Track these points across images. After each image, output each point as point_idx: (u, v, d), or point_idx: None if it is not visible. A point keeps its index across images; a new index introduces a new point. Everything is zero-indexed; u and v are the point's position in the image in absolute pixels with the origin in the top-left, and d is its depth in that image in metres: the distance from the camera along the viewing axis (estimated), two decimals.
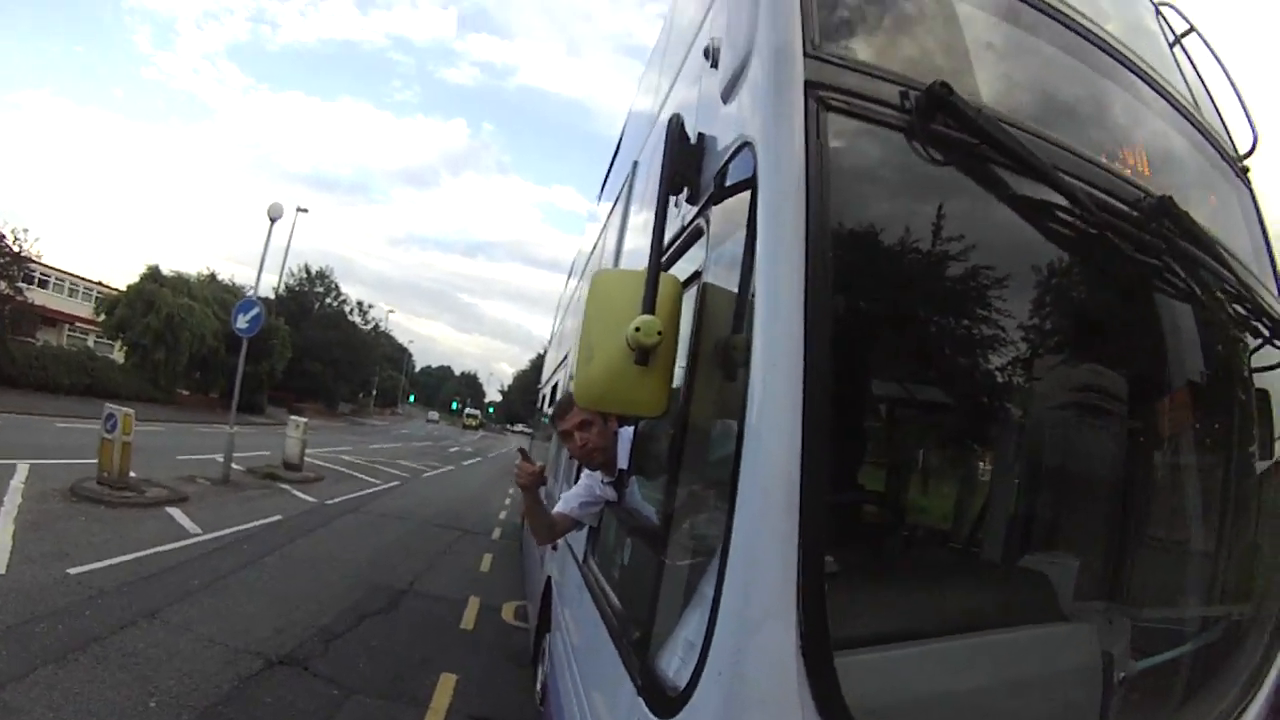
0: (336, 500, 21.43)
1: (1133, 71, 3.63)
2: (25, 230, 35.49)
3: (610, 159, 10.67)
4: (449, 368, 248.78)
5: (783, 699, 2.14)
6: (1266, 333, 3.87)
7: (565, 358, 11.42)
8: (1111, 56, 3.55)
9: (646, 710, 2.70)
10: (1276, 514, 4.28)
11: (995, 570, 3.36)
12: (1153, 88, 3.72)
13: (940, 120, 2.61)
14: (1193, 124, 3.95)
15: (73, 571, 10.00)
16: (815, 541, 2.19)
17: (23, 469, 15.79)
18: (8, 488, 13.85)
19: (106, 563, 10.72)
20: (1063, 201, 2.79)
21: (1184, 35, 4.57)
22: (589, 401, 2.99)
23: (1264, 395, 4.14)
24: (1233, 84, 4.58)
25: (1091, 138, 3.28)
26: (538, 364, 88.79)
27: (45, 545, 10.91)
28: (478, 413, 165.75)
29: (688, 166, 3.14)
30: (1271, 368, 3.96)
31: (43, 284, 52.32)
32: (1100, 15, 3.65)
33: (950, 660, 2.73)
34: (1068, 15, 3.44)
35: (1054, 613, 3.11)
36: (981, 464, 3.51)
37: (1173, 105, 3.80)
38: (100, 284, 64.33)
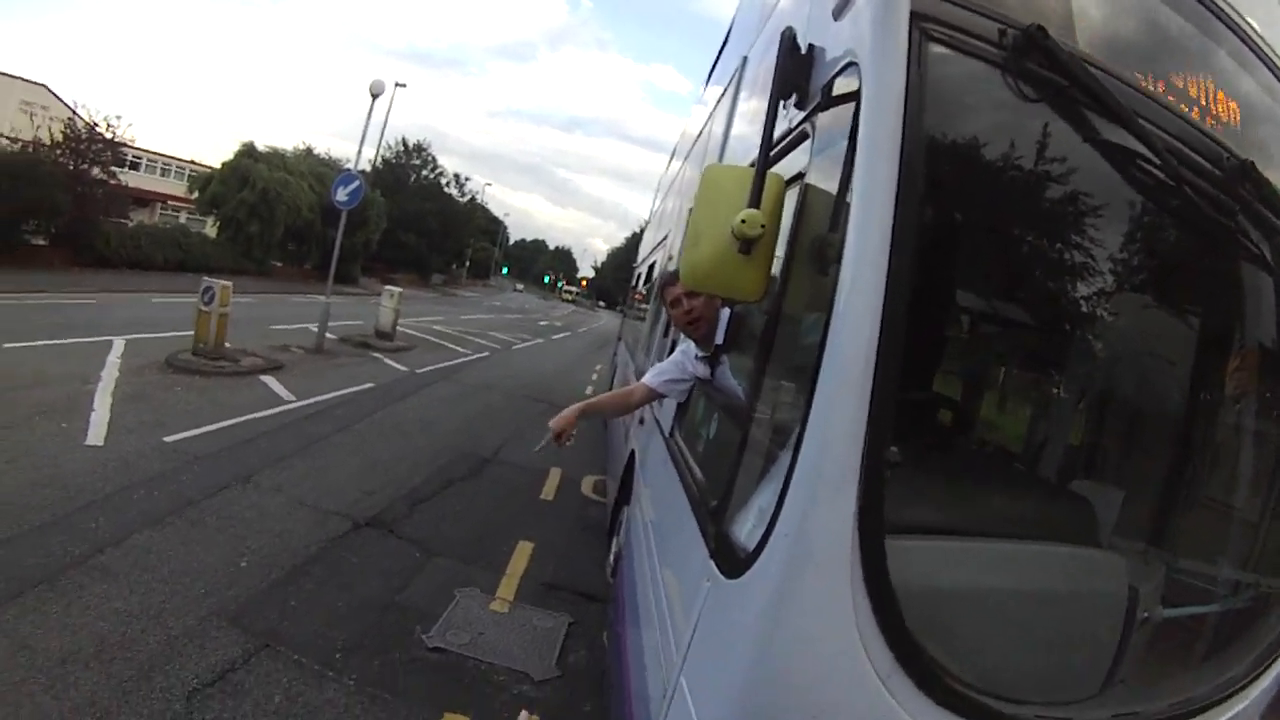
0: (427, 369, 21.68)
1: (1234, 31, 3.52)
2: (119, 117, 35.71)
3: (720, 46, 10.61)
4: (543, 241, 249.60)
5: (837, 564, 2.39)
6: None
7: (665, 238, 11.40)
8: (1214, 14, 3.46)
9: (716, 571, 2.98)
10: None
11: (1044, 486, 3.47)
12: (1254, 51, 3.61)
13: (1034, 60, 2.70)
14: None
15: (169, 439, 10.32)
16: (881, 430, 2.39)
17: (119, 344, 16.12)
18: (105, 362, 14.19)
19: (202, 430, 11.06)
20: (1145, 151, 2.84)
21: None
22: (694, 282, 3.11)
23: None
24: None
25: (1184, 92, 3.25)
26: (633, 242, 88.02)
27: (142, 415, 11.26)
28: (574, 289, 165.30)
29: (797, 75, 3.24)
30: None
31: (134, 166, 52.14)
32: None
33: (987, 559, 2.90)
34: None
35: (1092, 539, 3.22)
36: (1046, 388, 3.60)
37: (1273, 70, 3.71)
38: (193, 162, 64.87)
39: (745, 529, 2.87)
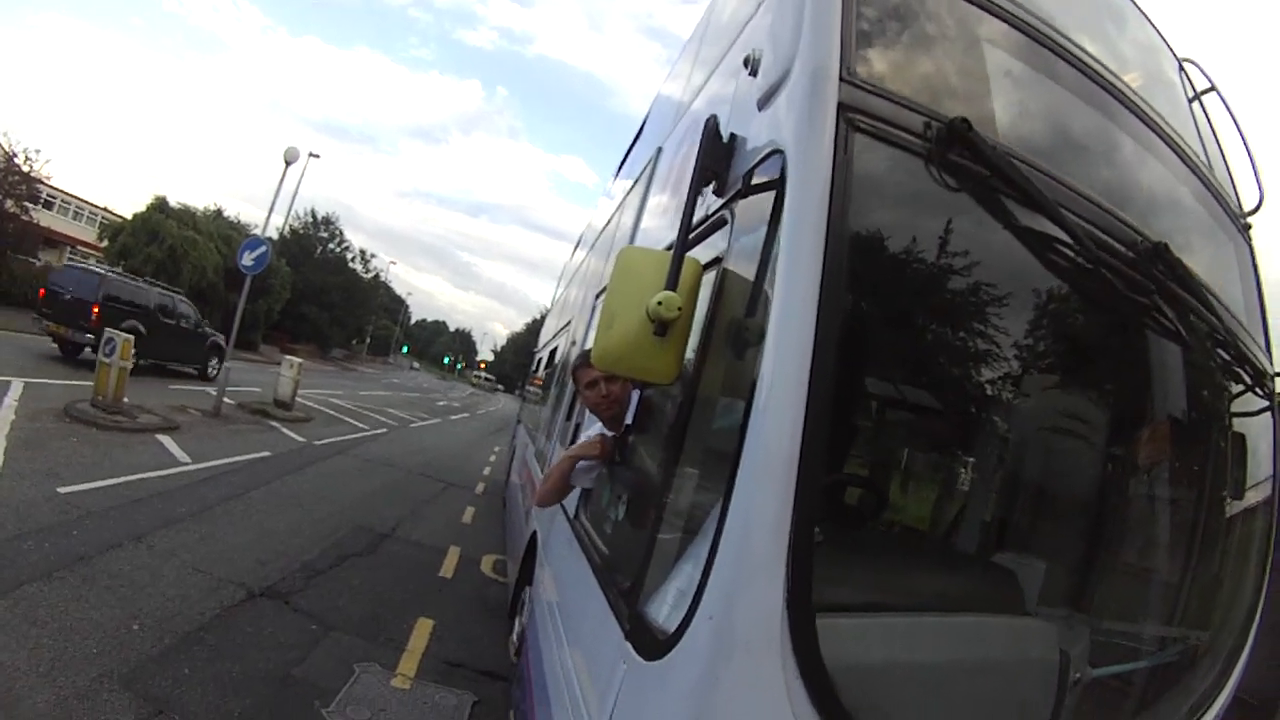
0: (325, 441, 21.46)
1: (1146, 123, 3.80)
2: (37, 151, 35.43)
3: (632, 139, 10.79)
4: (444, 323, 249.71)
5: (766, 646, 2.35)
6: (1248, 380, 4.16)
7: (568, 324, 11.50)
8: (1127, 107, 3.72)
9: (634, 653, 2.91)
10: (1238, 552, 4.51)
11: (968, 561, 3.57)
12: (1164, 140, 3.89)
13: (958, 152, 2.81)
14: (1200, 178, 4.13)
15: (62, 491, 10.07)
16: (807, 512, 2.39)
17: (17, 386, 15.86)
18: (1, 404, 13.91)
19: (96, 484, 10.80)
20: (1064, 237, 2.99)
21: (1204, 93, 4.70)
22: (606, 364, 3.14)
23: (1239, 439, 4.36)
24: (1245, 143, 4.70)
25: (1099, 181, 3.45)
26: (533, 327, 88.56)
27: (36, 463, 10.97)
28: (487, 376, 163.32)
29: (718, 162, 3.35)
30: (1248, 414, 4.26)
31: (48, 205, 51.71)
32: (1123, 66, 3.84)
33: (918, 635, 2.93)
34: (1090, 66, 3.62)
35: (1018, 608, 3.30)
36: (965, 467, 3.67)
37: (1182, 159, 3.98)
38: (105, 209, 64.08)
39: (664, 611, 2.85)
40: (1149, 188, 3.77)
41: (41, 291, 24.37)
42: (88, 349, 20.92)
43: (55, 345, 23.77)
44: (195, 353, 28.46)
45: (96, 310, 22.21)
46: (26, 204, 35.26)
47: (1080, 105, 3.57)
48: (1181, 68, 4.67)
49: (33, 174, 35.03)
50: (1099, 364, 3.73)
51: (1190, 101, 4.53)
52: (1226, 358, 3.99)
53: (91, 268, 25.60)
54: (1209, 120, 4.62)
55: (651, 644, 2.78)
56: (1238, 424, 4.24)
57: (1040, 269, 3.11)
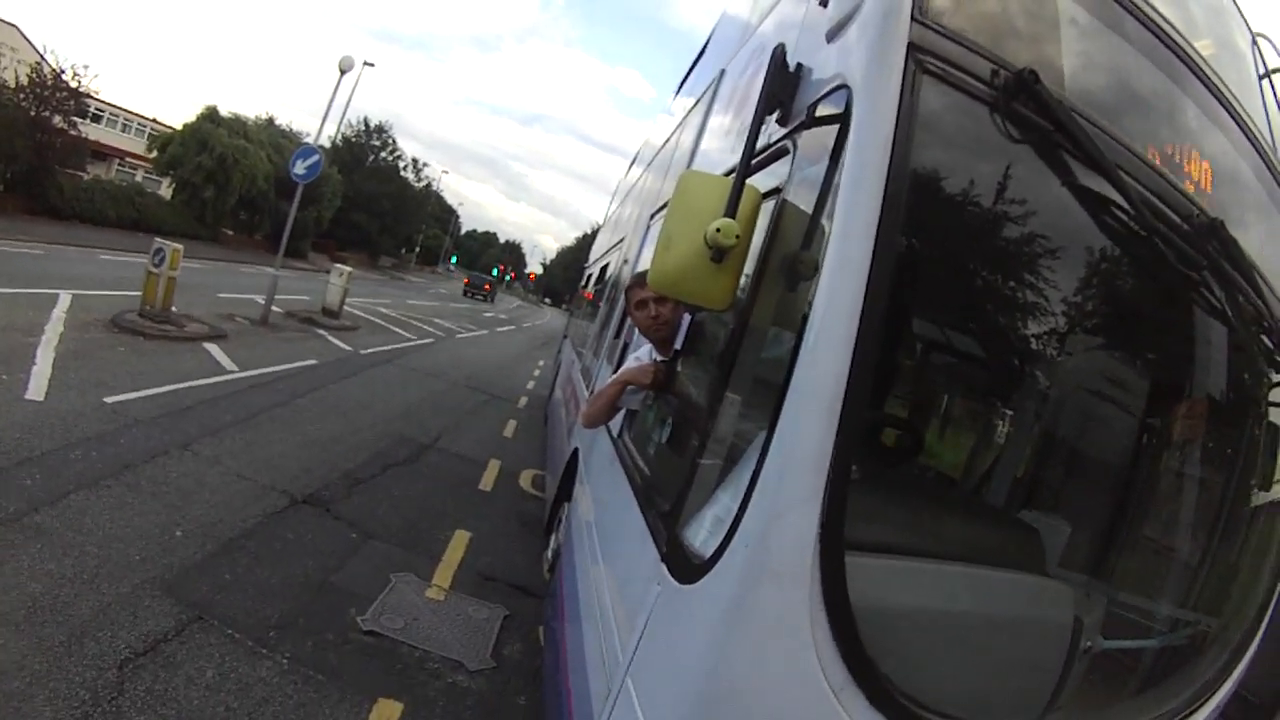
0: (371, 350, 21.58)
1: (1213, 93, 3.68)
2: (85, 66, 35.35)
3: (695, 58, 10.71)
4: (494, 234, 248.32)
5: (797, 577, 2.43)
6: None
7: (621, 241, 11.47)
8: (1195, 75, 3.60)
9: (668, 574, 3.02)
10: (1261, 543, 4.43)
11: (995, 514, 3.59)
12: (1229, 113, 3.76)
13: (1023, 103, 2.79)
14: (1262, 157, 3.99)
15: (109, 400, 10.19)
16: (847, 449, 2.43)
17: (65, 298, 15.89)
18: (49, 316, 13.95)
19: (143, 393, 10.92)
20: (1120, 200, 2.95)
21: (1274, 71, 4.53)
22: (662, 286, 3.14)
23: (1277, 429, 4.26)
24: None
25: (1161, 147, 3.37)
26: (584, 242, 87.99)
27: (84, 373, 11.07)
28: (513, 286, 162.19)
29: (783, 92, 3.32)
30: None
31: (95, 118, 51.71)
32: (1195, 33, 3.69)
33: (939, 581, 2.97)
34: (1162, 27, 3.49)
35: (1039, 567, 3.31)
36: (1002, 420, 3.66)
37: (1246, 135, 3.84)
38: (154, 121, 64.20)
39: (701, 535, 2.91)
40: (1210, 160, 3.63)
41: None
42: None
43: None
44: None
45: None
46: (74, 119, 35.35)
47: (1147, 66, 3.47)
48: (1255, 42, 4.52)
49: (80, 89, 34.97)
50: (1143, 333, 3.72)
51: (1260, 79, 4.40)
52: (1271, 345, 3.91)
53: None
54: (1277, 99, 4.51)
55: (687, 567, 2.86)
56: (1276, 414, 4.17)
57: (1094, 230, 3.10)
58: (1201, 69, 3.60)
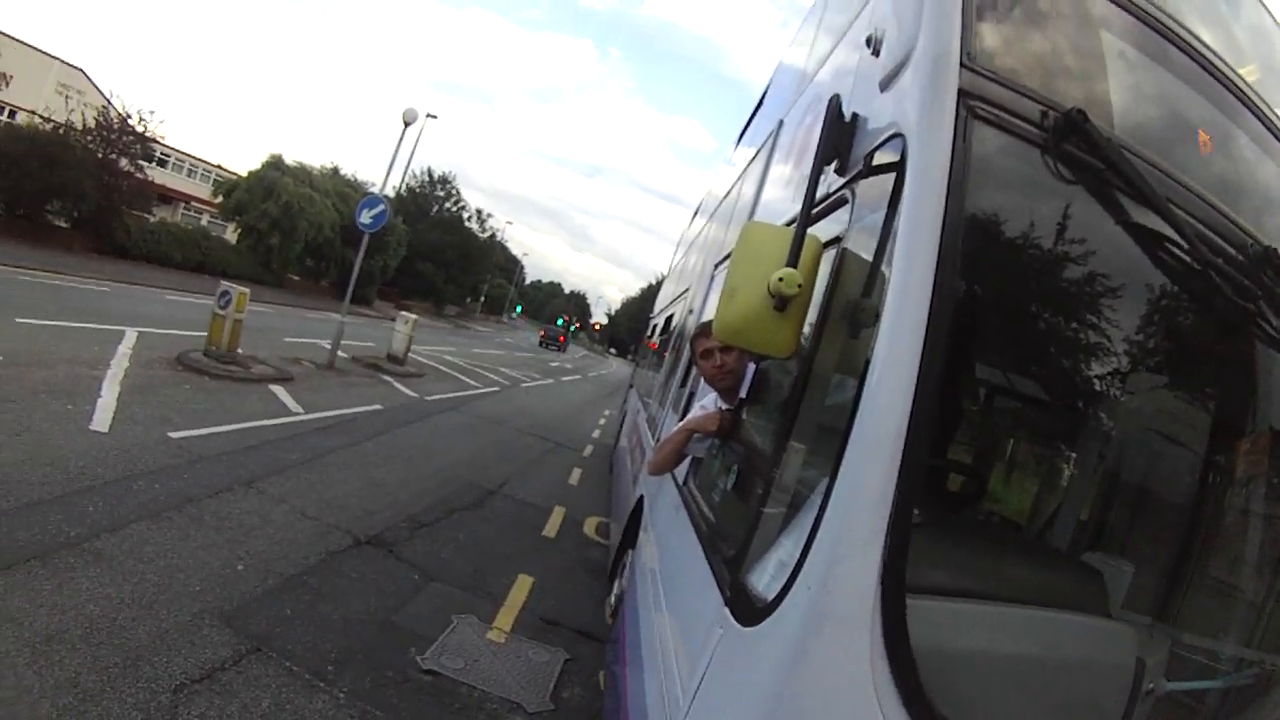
0: (436, 397, 21.71)
1: (1261, 120, 3.71)
2: (151, 112, 36.27)
3: (753, 109, 10.87)
4: (559, 284, 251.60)
5: (859, 620, 2.41)
6: None
7: (686, 291, 11.55)
8: (1243, 102, 3.65)
9: (731, 618, 3.01)
10: None
11: (1057, 556, 3.63)
12: (1278, 138, 3.77)
13: (1074, 142, 2.84)
14: None
15: (174, 435, 10.24)
16: (909, 493, 2.44)
17: (131, 335, 16.15)
18: (115, 352, 14.14)
19: (208, 430, 10.99)
20: (1175, 236, 2.97)
21: None
22: (727, 335, 3.17)
23: None
24: None
25: (1211, 177, 3.39)
26: (648, 292, 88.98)
27: (149, 408, 11.17)
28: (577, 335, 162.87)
29: (840, 141, 3.39)
30: None
31: (162, 163, 53.22)
32: (1239, 58, 3.76)
33: (1001, 624, 2.99)
34: (1205, 56, 3.56)
35: (1102, 609, 3.29)
36: (1063, 462, 3.75)
37: None
38: (219, 167, 66.02)
39: (764, 580, 2.92)
40: (1263, 188, 3.68)
41: None
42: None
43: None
44: None
45: None
46: (140, 162, 36.12)
47: (1197, 100, 3.52)
48: None
49: (147, 133, 35.80)
50: (1203, 369, 3.70)
51: None
52: None
53: None
54: None
55: (749, 611, 2.86)
56: None
57: (1150, 267, 3.10)
58: (1248, 95, 3.66)
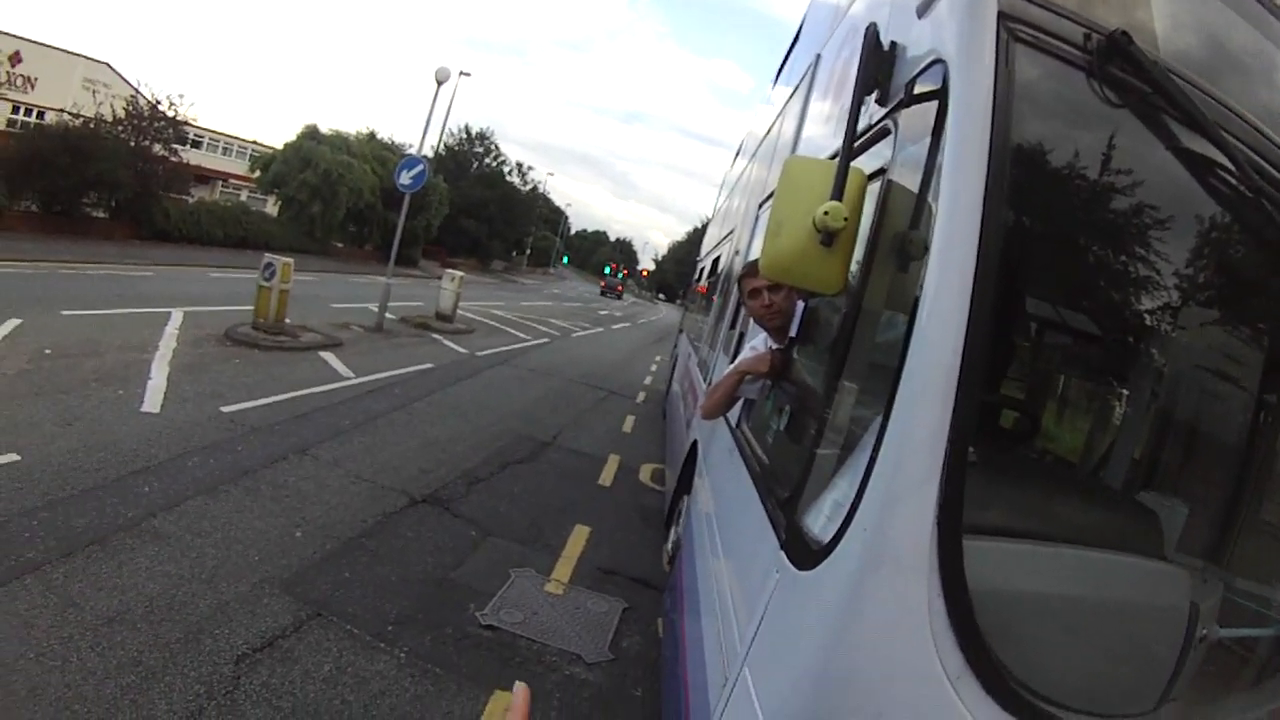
0: (486, 352, 21.78)
1: None
2: (180, 96, 36.36)
3: (789, 46, 10.74)
4: (604, 233, 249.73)
5: (915, 562, 2.39)
6: None
7: (731, 233, 11.46)
8: None
9: (787, 562, 2.98)
10: None
11: (1112, 496, 3.46)
12: None
13: (1118, 65, 2.71)
14: None
15: (226, 410, 10.37)
16: (964, 430, 2.38)
17: (177, 315, 16.27)
18: (163, 333, 14.28)
19: (259, 402, 11.12)
20: (1225, 162, 2.82)
21: None
22: (774, 273, 3.11)
23: None
24: None
25: (1260, 104, 3.22)
26: (694, 236, 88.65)
27: (200, 385, 11.32)
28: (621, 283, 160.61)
29: (880, 71, 3.30)
30: None
31: (196, 144, 53.10)
32: None
33: (1056, 565, 2.89)
34: None
35: (1156, 551, 3.19)
36: (1117, 398, 3.59)
37: None
38: (255, 143, 66.08)
39: (820, 522, 2.87)
40: None
41: None
42: None
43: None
44: None
45: None
46: (174, 145, 36.25)
47: (1240, 22, 3.34)
48: None
49: (178, 118, 35.89)
50: (1257, 301, 3.51)
51: None
52: None
53: None
54: None
55: (805, 554, 2.82)
56: None
57: (1201, 194, 2.96)
58: None
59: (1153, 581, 3.14)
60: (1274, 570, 3.64)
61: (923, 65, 2.92)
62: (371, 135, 59.22)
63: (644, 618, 7.11)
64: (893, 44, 3.30)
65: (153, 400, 10.11)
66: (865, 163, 3.26)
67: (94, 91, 35.30)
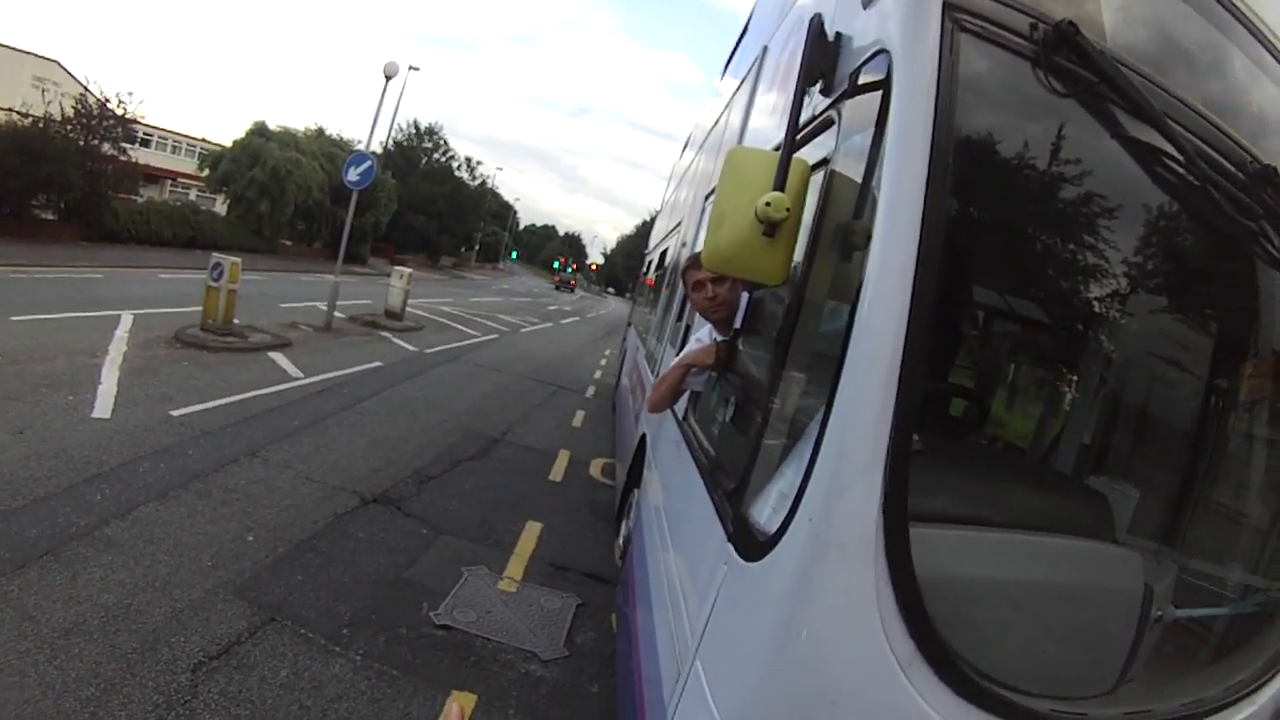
0: (435, 349, 21.73)
1: (1258, 38, 3.53)
2: (129, 94, 35.92)
3: (737, 38, 10.74)
4: (553, 226, 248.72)
5: (861, 550, 2.40)
6: None
7: (678, 225, 11.51)
8: (1242, 23, 3.47)
9: (735, 554, 3.00)
10: None
11: (1061, 481, 3.55)
12: (1276, 57, 3.60)
13: (1064, 55, 2.71)
14: None
15: (175, 414, 10.31)
16: (907, 418, 2.40)
17: (127, 318, 16.10)
18: (112, 337, 14.13)
19: (209, 405, 11.06)
20: (1171, 151, 2.85)
21: None
22: (715, 264, 3.12)
23: None
24: None
25: (1208, 95, 3.25)
26: (642, 229, 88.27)
27: (149, 389, 11.23)
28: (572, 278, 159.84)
29: (824, 62, 3.28)
30: None
31: (145, 143, 52.44)
32: None
33: (1006, 551, 2.93)
34: None
35: (1108, 535, 3.24)
36: (1065, 384, 3.69)
37: None
38: (203, 140, 65.06)
39: (765, 513, 2.88)
40: (1261, 107, 3.52)
41: None
42: None
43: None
44: None
45: None
46: (123, 145, 35.84)
47: (1192, 15, 3.36)
48: None
49: (126, 115, 35.49)
50: (1205, 289, 3.61)
51: None
52: None
53: None
54: None
55: (752, 545, 2.83)
56: None
57: (1146, 184, 2.99)
58: (1243, 11, 3.47)
59: (1104, 564, 3.18)
60: (1226, 551, 3.72)
61: (867, 56, 2.93)
62: (320, 131, 58.59)
63: (598, 613, 7.17)
64: (838, 35, 3.31)
65: (103, 405, 10.04)
66: (809, 154, 3.29)
67: (43, 90, 34.69)
